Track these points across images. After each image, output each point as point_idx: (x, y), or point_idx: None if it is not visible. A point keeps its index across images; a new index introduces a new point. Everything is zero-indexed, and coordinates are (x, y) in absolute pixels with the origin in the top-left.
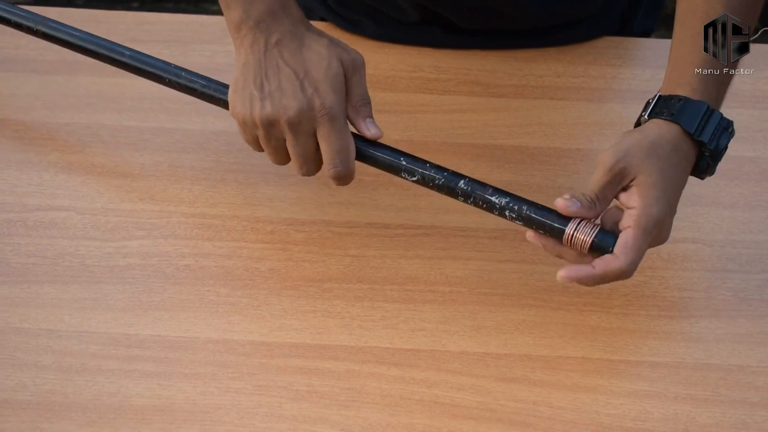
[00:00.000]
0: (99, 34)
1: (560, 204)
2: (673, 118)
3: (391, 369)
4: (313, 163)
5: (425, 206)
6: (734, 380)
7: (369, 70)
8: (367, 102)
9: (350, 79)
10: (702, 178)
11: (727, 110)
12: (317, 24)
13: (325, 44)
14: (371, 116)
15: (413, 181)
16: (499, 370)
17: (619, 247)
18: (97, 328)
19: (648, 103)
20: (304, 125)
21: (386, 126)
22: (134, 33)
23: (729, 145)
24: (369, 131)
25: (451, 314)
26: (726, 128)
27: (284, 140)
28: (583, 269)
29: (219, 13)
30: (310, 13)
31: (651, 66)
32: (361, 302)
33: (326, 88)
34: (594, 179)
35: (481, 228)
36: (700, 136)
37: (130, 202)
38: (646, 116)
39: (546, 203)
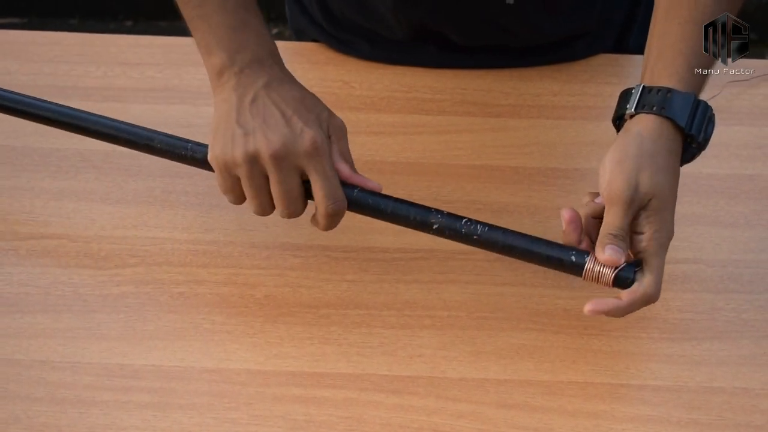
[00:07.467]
0: (92, 58)
1: (607, 260)
2: (663, 112)
3: (389, 397)
4: (299, 202)
5: None
6: (738, 403)
7: (363, 91)
8: (351, 161)
9: (335, 142)
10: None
11: (725, 128)
12: (310, 45)
13: (315, 96)
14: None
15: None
16: (499, 396)
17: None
18: (91, 359)
19: (628, 94)
20: (289, 159)
21: (381, 148)
22: (126, 56)
23: (728, 163)
24: (368, 183)
25: (450, 339)
26: (711, 118)
27: (267, 179)
28: (610, 302)
29: None
30: (302, 35)
31: None
32: (358, 328)
33: (315, 126)
34: (616, 218)
35: (479, 251)
36: (690, 130)
37: (123, 228)
38: (632, 110)
39: (545, 224)
